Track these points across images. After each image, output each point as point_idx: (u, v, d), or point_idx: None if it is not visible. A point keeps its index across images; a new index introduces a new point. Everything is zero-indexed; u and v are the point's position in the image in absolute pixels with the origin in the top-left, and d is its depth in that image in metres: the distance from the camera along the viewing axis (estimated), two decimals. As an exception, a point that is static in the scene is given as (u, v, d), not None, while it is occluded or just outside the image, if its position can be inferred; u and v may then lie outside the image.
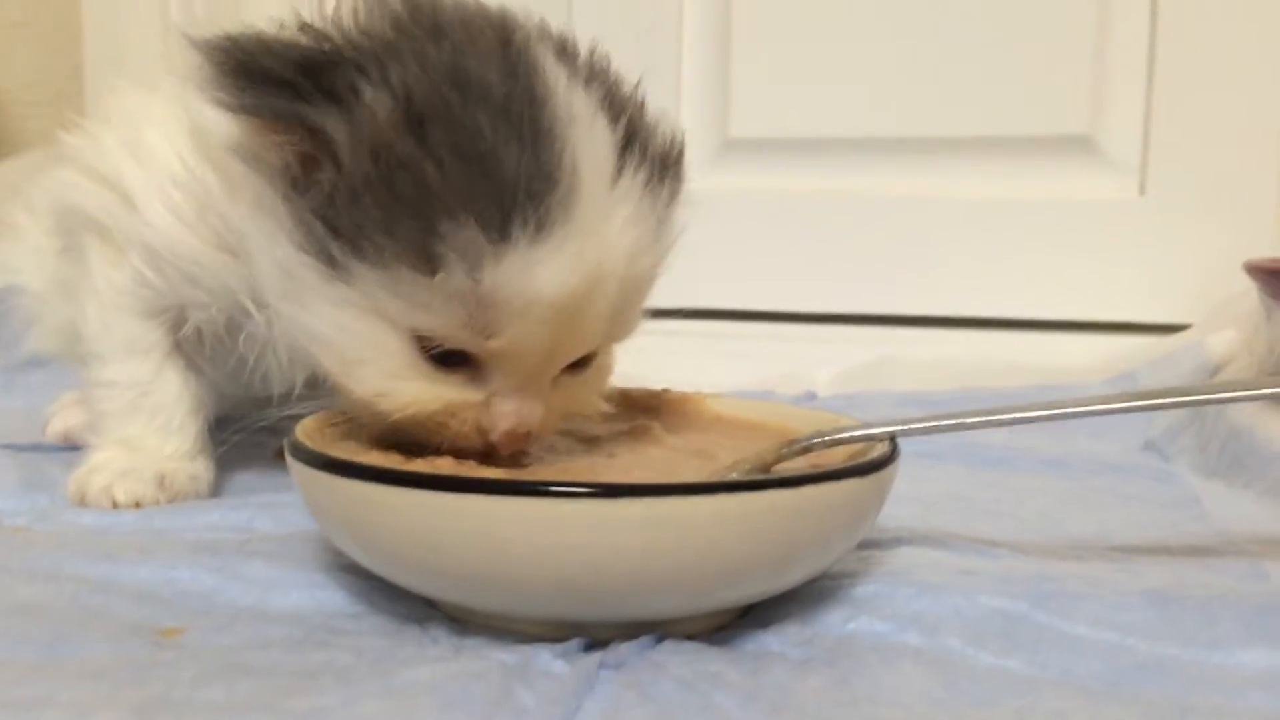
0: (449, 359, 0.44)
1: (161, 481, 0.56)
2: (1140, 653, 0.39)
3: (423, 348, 0.44)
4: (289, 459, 0.42)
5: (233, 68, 0.42)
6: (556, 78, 0.43)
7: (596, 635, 0.39)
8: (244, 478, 0.63)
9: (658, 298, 1.17)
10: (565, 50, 0.46)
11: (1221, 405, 0.69)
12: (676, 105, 1.13)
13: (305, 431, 0.45)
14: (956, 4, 1.06)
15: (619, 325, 0.47)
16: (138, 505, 0.55)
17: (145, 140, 0.54)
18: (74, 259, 0.59)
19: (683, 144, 0.49)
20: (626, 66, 0.49)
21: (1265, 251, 0.94)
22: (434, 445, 0.45)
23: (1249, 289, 0.81)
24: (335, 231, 0.42)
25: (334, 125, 0.42)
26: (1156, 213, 1.03)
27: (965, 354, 1.02)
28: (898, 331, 1.09)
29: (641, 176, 0.44)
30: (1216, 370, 0.84)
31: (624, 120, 0.44)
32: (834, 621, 0.41)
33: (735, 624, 0.42)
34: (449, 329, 0.43)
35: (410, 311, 0.42)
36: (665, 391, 0.56)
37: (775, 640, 0.40)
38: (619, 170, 0.43)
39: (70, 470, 0.58)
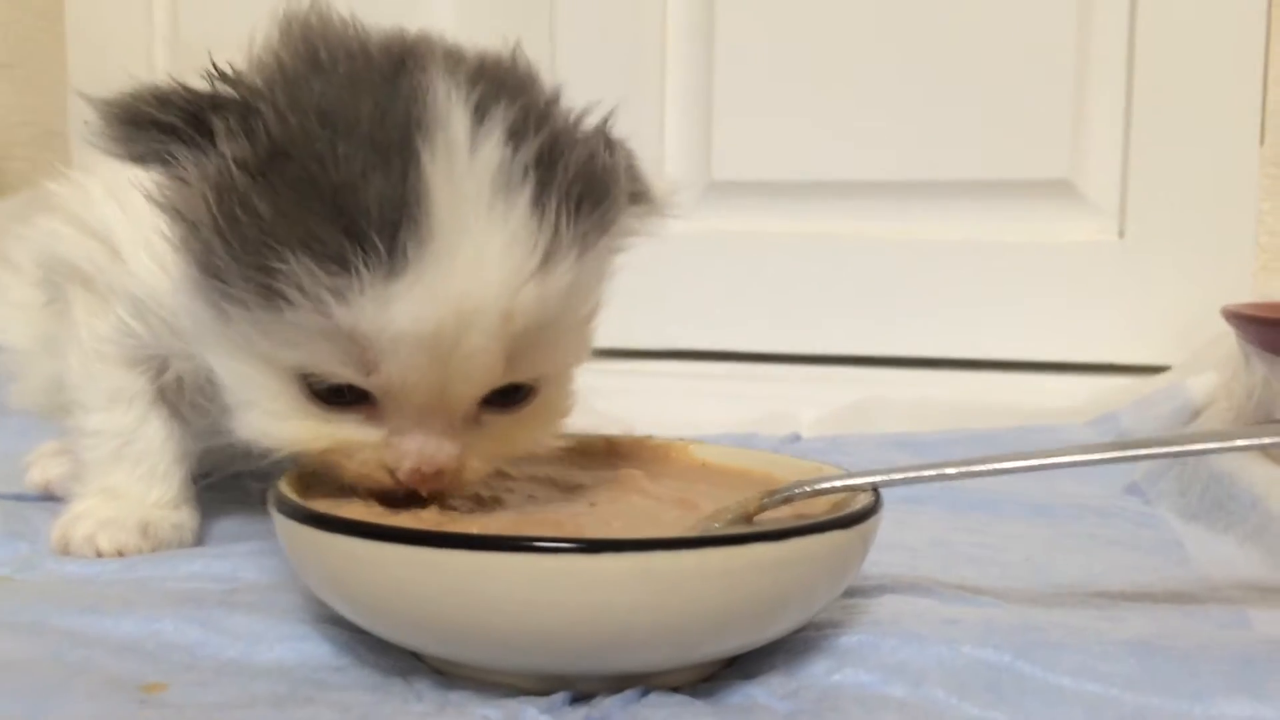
0: (339, 397, 0.43)
1: (145, 530, 0.56)
2: (1124, 704, 0.39)
3: (310, 387, 0.43)
4: (272, 512, 0.42)
5: (116, 117, 0.42)
6: (437, 103, 0.41)
7: (582, 688, 0.39)
8: (227, 524, 0.62)
9: (642, 339, 1.17)
10: (481, 72, 0.44)
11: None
12: (660, 148, 1.14)
13: (289, 482, 0.45)
14: (938, 50, 1.08)
15: (529, 362, 0.44)
16: (121, 554, 0.55)
17: (129, 191, 0.54)
18: (59, 312, 0.59)
19: (628, 171, 0.47)
20: (609, 111, 0.49)
21: (1244, 293, 0.95)
22: (350, 488, 0.45)
23: (1228, 332, 0.82)
24: (213, 275, 0.42)
25: (194, 169, 0.42)
26: (1136, 255, 1.04)
27: (948, 395, 1.03)
28: (881, 372, 1.10)
29: (530, 201, 0.41)
30: (1197, 413, 0.85)
31: (530, 143, 0.42)
32: (819, 672, 0.42)
33: (720, 675, 0.42)
34: (323, 365, 0.42)
35: (278, 350, 0.42)
36: (649, 439, 0.56)
37: (761, 692, 0.40)
38: (497, 196, 0.41)
39: (53, 519, 0.58)
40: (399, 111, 0.41)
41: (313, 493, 0.45)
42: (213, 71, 0.43)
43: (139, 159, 0.43)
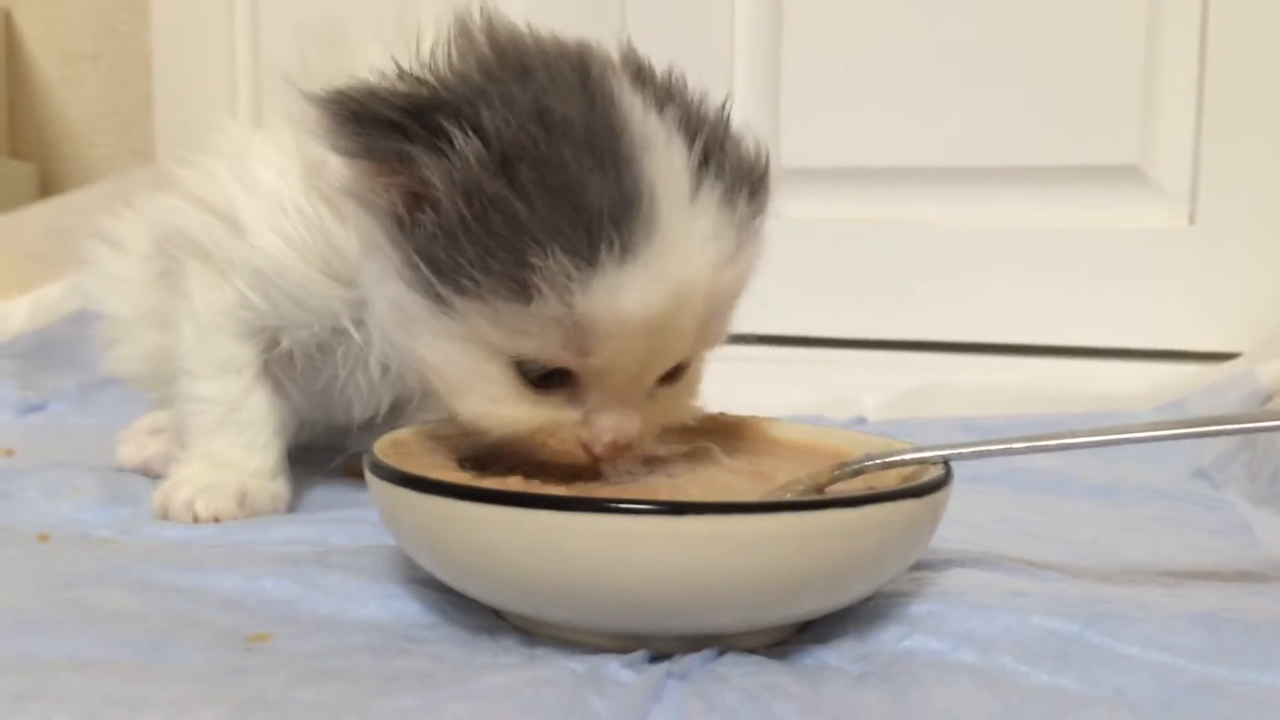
0: (548, 380, 0.47)
1: (243, 500, 0.58)
2: (1191, 673, 0.40)
3: (522, 372, 0.47)
4: (367, 475, 0.44)
5: (347, 116, 0.45)
6: (632, 105, 0.45)
7: (659, 648, 0.41)
8: (315, 493, 0.65)
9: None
10: (641, 76, 0.48)
11: (1272, 434, 0.70)
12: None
13: (382, 449, 0.47)
14: (1006, 35, 1.07)
15: (708, 336, 0.49)
16: (217, 520, 0.57)
17: (254, 172, 0.57)
18: (170, 285, 0.62)
19: (766, 157, 0.50)
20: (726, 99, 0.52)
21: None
22: (539, 463, 0.48)
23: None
24: (438, 269, 0.45)
25: (432, 170, 0.45)
26: (1206, 242, 1.03)
27: (1014, 381, 1.03)
28: (947, 358, 1.10)
29: (719, 192, 0.46)
30: (1267, 399, 0.85)
31: (700, 138, 0.46)
32: (890, 639, 0.43)
33: (794, 639, 0.43)
34: (547, 351, 0.45)
35: (510, 339, 0.45)
36: (722, 415, 0.58)
37: (833, 655, 0.42)
38: (696, 188, 0.45)
39: (151, 486, 0.61)
40: (601, 114, 0.44)
41: (404, 459, 0.47)
42: (418, 73, 0.46)
43: (366, 155, 0.46)
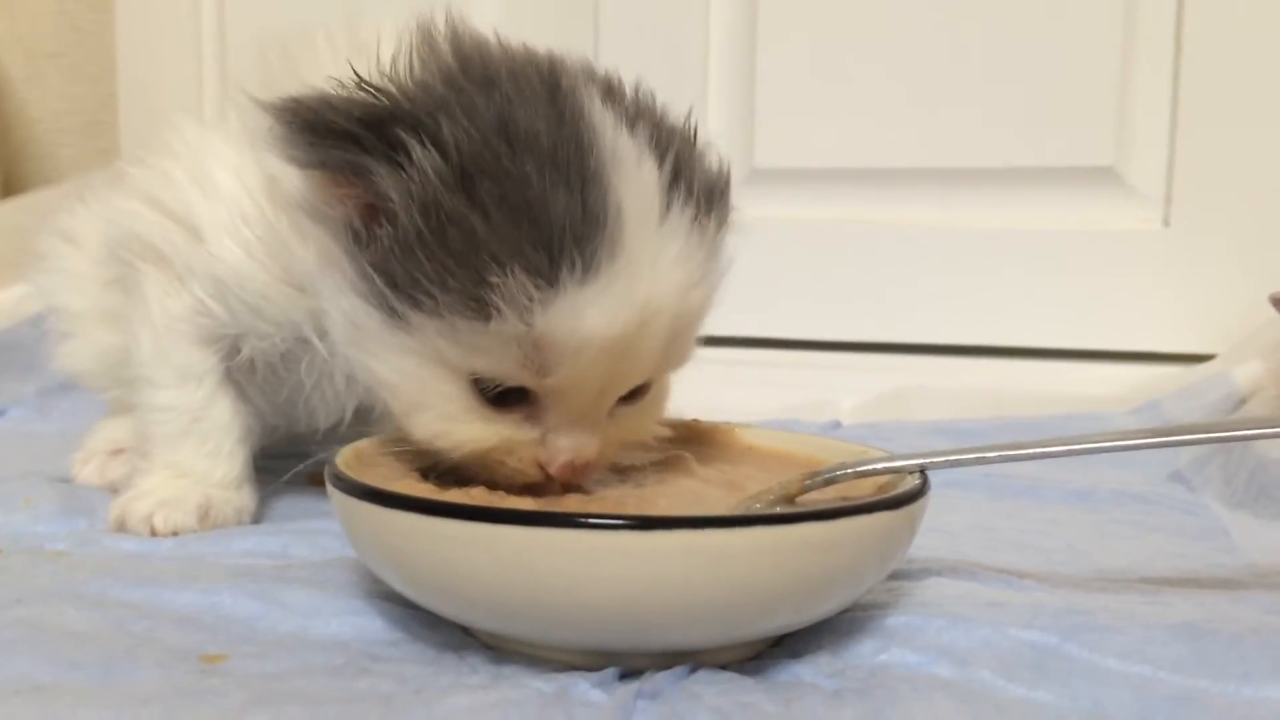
0: (505, 398, 0.46)
1: (205, 513, 0.57)
2: (1171, 686, 0.39)
3: (479, 390, 0.45)
4: (329, 488, 0.43)
5: (301, 126, 0.44)
6: (602, 121, 0.44)
7: (631, 665, 0.40)
8: (278, 503, 0.64)
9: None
10: (611, 91, 0.47)
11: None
12: (703, 137, 1.14)
13: (345, 460, 0.45)
14: (982, 37, 1.07)
15: (672, 356, 0.48)
16: (175, 534, 0.56)
17: (212, 176, 0.55)
18: (125, 289, 0.60)
19: (728, 173, 0.50)
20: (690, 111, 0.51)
21: (1290, 282, 0.94)
22: (493, 481, 0.46)
23: (1275, 319, 0.81)
24: (394, 283, 0.44)
25: (388, 183, 0.43)
26: (1181, 244, 1.03)
27: (990, 383, 1.02)
28: (922, 360, 1.10)
29: (689, 212, 0.45)
30: (1242, 401, 0.85)
31: (670, 156, 0.45)
32: (866, 652, 0.42)
33: (768, 653, 0.42)
34: (505, 370, 0.44)
35: (467, 357, 0.44)
36: (696, 422, 0.57)
37: (808, 670, 0.41)
38: (665, 209, 0.44)
39: (110, 497, 0.59)
40: (569, 129, 0.43)
41: (367, 470, 0.46)
42: (372, 83, 0.44)
43: (321, 166, 0.45)
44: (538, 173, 0.42)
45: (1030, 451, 0.45)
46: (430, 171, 0.42)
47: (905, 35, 1.09)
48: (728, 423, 0.56)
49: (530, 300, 0.42)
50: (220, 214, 0.54)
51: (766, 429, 0.56)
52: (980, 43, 1.07)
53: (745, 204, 1.21)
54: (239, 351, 0.57)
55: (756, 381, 1.05)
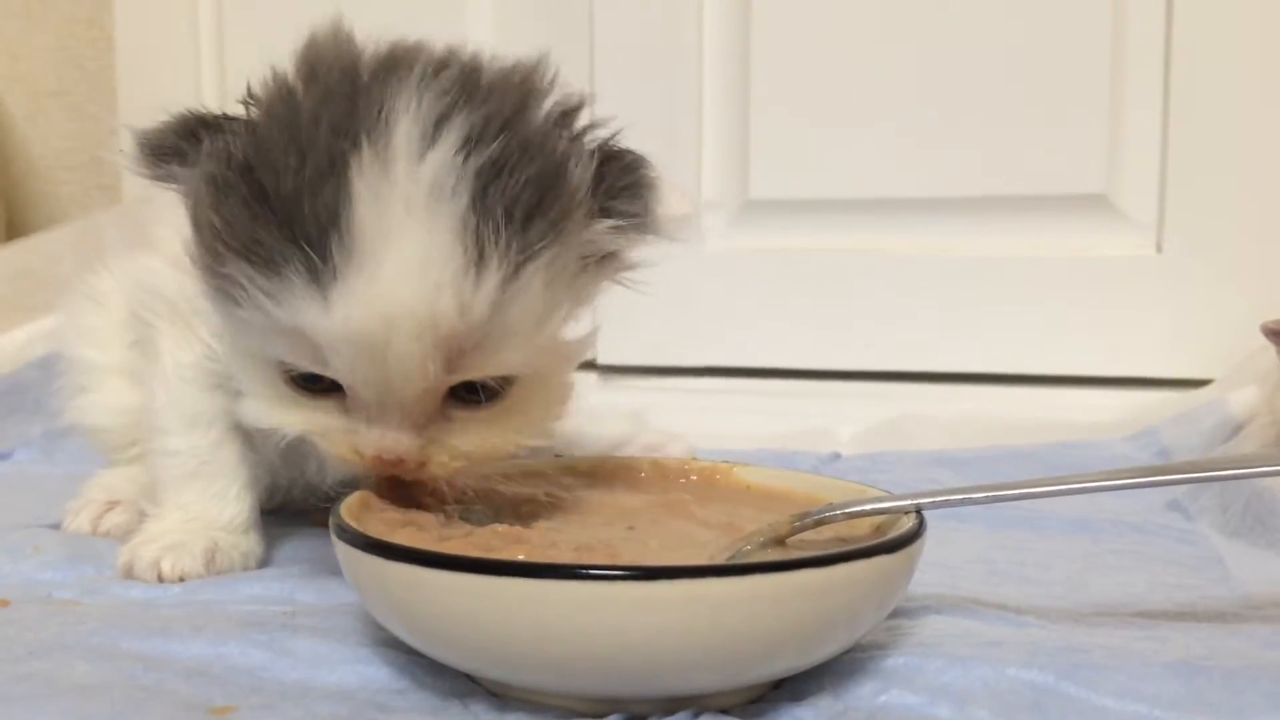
0: (318, 384, 0.48)
1: (211, 558, 0.57)
2: (1167, 725, 0.40)
3: (290, 377, 0.48)
4: (334, 539, 0.43)
5: (138, 143, 0.48)
6: (391, 115, 0.44)
7: (633, 711, 0.40)
8: (284, 547, 0.64)
9: (681, 356, 1.19)
10: (452, 84, 0.45)
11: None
12: (697, 168, 1.15)
13: (349, 508, 0.46)
14: (972, 66, 1.08)
15: (473, 364, 0.46)
16: (183, 579, 0.56)
17: None
18: (144, 351, 0.62)
19: (621, 188, 0.48)
20: (649, 134, 0.51)
21: (1284, 306, 0.95)
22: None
23: (1267, 347, 0.82)
24: (208, 277, 0.47)
25: (184, 188, 0.48)
26: (1174, 269, 1.04)
27: (987, 410, 1.03)
28: (919, 388, 1.10)
29: (475, 214, 0.44)
30: (1239, 428, 0.85)
31: (482, 154, 0.44)
32: (865, 694, 0.42)
33: (769, 696, 0.43)
34: (287, 355, 0.47)
35: (254, 343, 0.48)
36: (693, 461, 0.57)
37: (809, 713, 0.41)
38: (427, 209, 0.43)
39: (117, 544, 0.59)
40: (350, 125, 0.44)
41: (369, 518, 0.47)
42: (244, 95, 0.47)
43: (156, 179, 0.48)
44: (300, 168, 0.43)
45: (1017, 492, 0.47)
46: (203, 172, 0.46)
47: (898, 66, 1.10)
48: (726, 462, 0.57)
49: (261, 292, 0.44)
50: None
51: (765, 468, 0.56)
52: (973, 73, 1.08)
53: (740, 235, 1.22)
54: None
55: (753, 411, 1.06)
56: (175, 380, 0.59)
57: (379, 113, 0.44)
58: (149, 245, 0.63)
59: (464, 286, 0.44)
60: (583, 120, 0.49)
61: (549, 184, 0.46)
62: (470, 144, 0.44)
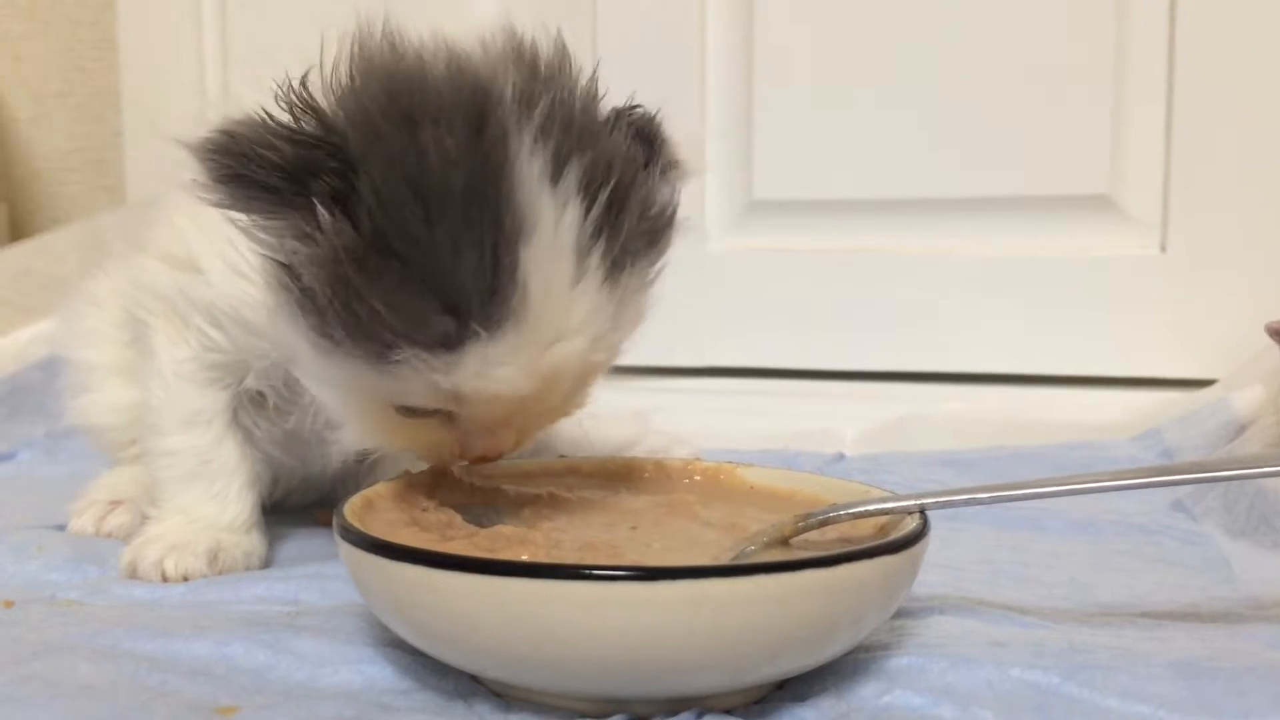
0: (429, 410, 0.48)
1: (214, 558, 0.57)
2: (1171, 726, 0.40)
3: (398, 407, 0.48)
4: (337, 539, 0.44)
5: (220, 176, 0.44)
6: (526, 173, 0.43)
7: (637, 711, 0.40)
8: (288, 546, 0.64)
9: (685, 357, 1.18)
10: (547, 125, 0.44)
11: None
12: (701, 169, 1.15)
13: (353, 509, 0.46)
14: (975, 66, 1.08)
15: (575, 398, 0.50)
16: (186, 579, 0.56)
17: (205, 210, 0.56)
18: (140, 349, 0.62)
19: (674, 206, 0.49)
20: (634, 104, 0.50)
21: (1288, 307, 0.95)
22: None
23: (1271, 347, 0.82)
24: (320, 320, 0.45)
25: (300, 241, 0.44)
26: (1178, 269, 1.04)
27: (991, 410, 1.03)
28: (923, 388, 1.10)
29: (604, 269, 0.45)
30: (1243, 427, 0.85)
31: (601, 199, 0.44)
32: (869, 694, 0.42)
33: (772, 697, 0.43)
34: (422, 403, 0.47)
35: (385, 394, 0.47)
36: (697, 462, 0.57)
37: (812, 714, 0.41)
38: (579, 270, 0.44)
39: (121, 543, 0.60)
40: (487, 187, 0.43)
41: (373, 519, 0.47)
42: (297, 112, 0.44)
43: (241, 210, 0.45)
44: (445, 239, 0.42)
45: (1023, 493, 0.47)
46: (340, 245, 0.43)
47: (903, 66, 1.10)
48: (730, 463, 0.57)
49: (434, 371, 0.44)
50: (213, 240, 0.55)
51: (769, 469, 0.56)
52: (976, 73, 1.08)
53: (744, 235, 1.22)
54: (246, 376, 0.58)
55: (756, 411, 1.06)
56: (172, 377, 0.58)
57: (505, 170, 0.43)
58: (143, 245, 0.62)
59: (612, 338, 0.47)
60: (657, 139, 0.50)
61: (653, 212, 0.48)
62: (590, 189, 0.44)
